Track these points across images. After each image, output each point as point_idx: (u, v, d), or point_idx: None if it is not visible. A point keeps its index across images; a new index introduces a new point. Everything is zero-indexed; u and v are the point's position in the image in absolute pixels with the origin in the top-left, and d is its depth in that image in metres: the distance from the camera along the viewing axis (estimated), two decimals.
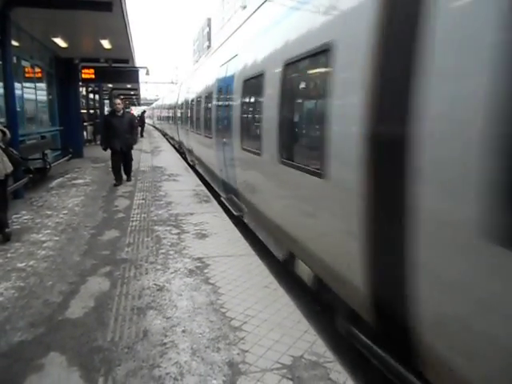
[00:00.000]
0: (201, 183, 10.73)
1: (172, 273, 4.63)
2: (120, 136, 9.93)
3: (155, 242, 5.72)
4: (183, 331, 3.38)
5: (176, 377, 2.81)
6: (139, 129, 32.62)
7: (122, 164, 10.48)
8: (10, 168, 5.66)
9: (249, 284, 4.33)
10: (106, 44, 12.55)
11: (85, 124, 20.37)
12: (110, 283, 4.36)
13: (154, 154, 18.37)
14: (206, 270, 4.70)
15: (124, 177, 10.67)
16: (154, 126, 51.69)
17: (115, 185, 10.09)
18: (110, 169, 10.67)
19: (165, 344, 3.20)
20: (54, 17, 9.69)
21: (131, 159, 10.91)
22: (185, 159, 16.42)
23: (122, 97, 31.20)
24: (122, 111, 10.13)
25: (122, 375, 2.83)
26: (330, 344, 3.41)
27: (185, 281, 4.41)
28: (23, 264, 4.92)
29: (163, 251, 5.33)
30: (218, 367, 2.92)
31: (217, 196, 9.26)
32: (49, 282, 4.43)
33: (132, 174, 11.11)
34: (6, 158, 5.59)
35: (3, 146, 5.70)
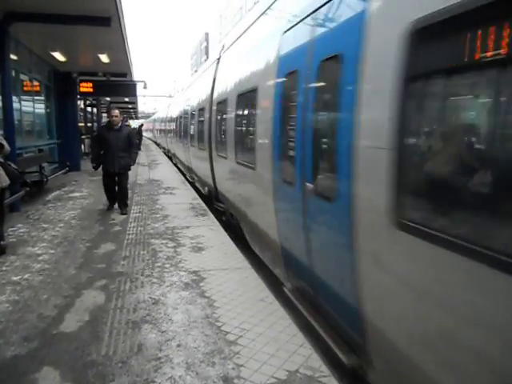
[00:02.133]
0: (197, 196, 10.74)
1: (168, 286, 4.62)
2: (115, 154, 8.26)
3: (151, 255, 5.71)
4: (178, 345, 3.37)
5: None
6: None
7: (117, 187, 8.71)
8: (6, 182, 5.65)
9: (245, 297, 4.32)
10: (104, 58, 12.65)
11: (82, 137, 20.42)
12: (106, 296, 4.34)
13: (151, 167, 18.41)
14: (201, 284, 4.69)
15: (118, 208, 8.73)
16: (156, 143, 45.18)
17: (108, 209, 8.75)
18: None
19: (159, 358, 3.19)
20: (53, 31, 9.79)
21: (127, 183, 8.83)
22: (182, 173, 16.45)
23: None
24: (119, 124, 8.52)
25: None
26: (325, 358, 3.40)
27: (180, 294, 4.40)
28: (18, 277, 4.89)
29: (159, 264, 5.32)
30: (213, 382, 2.90)
31: (213, 209, 9.26)
32: (44, 295, 4.40)
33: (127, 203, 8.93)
34: (2, 172, 5.59)
35: (1, 160, 5.71)
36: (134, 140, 8.87)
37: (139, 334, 3.54)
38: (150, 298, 4.30)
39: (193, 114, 12.64)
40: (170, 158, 23.77)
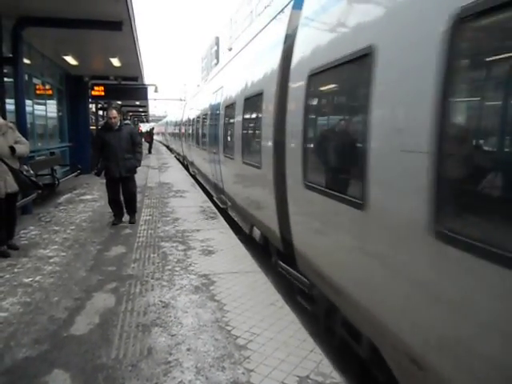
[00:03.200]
0: (207, 199, 10.75)
1: (178, 289, 4.61)
2: (117, 157, 7.48)
3: (161, 258, 5.72)
4: (188, 349, 3.35)
5: None
6: (147, 144, 32.61)
7: (123, 196, 7.90)
8: (12, 187, 5.61)
9: (254, 301, 4.30)
10: (115, 62, 12.75)
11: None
12: (116, 299, 4.35)
13: (161, 170, 18.48)
14: (211, 287, 4.67)
15: (126, 217, 8.01)
16: (168, 148, 41.01)
17: (113, 223, 7.72)
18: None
19: (169, 362, 3.17)
20: (65, 36, 9.89)
21: (135, 188, 8.13)
22: (192, 176, 16.48)
23: (118, 106, 24.81)
24: (118, 124, 7.63)
25: None
26: (336, 364, 3.36)
27: (190, 298, 4.39)
28: (29, 279, 4.92)
29: (169, 267, 5.32)
30: None
31: (223, 212, 9.26)
32: (55, 297, 4.42)
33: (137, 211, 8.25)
34: (10, 177, 5.58)
35: (12, 166, 5.66)
36: (137, 139, 7.98)
37: (149, 338, 3.53)
38: (160, 301, 4.30)
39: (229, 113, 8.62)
40: (186, 167, 20.06)
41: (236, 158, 7.40)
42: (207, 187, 12.73)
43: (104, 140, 7.54)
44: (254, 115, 6.60)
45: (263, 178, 5.59)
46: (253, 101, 6.40)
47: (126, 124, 9.07)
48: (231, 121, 8.15)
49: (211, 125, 11.20)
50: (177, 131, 28.47)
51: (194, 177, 16.40)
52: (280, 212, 5.00)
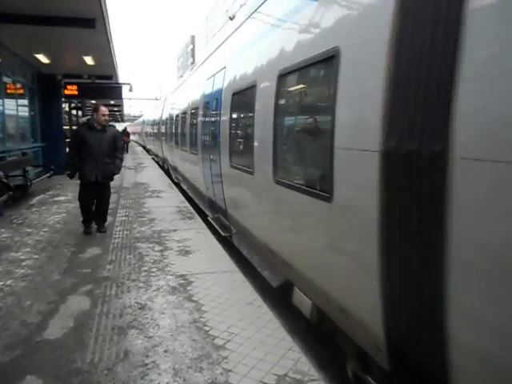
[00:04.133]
0: (184, 199, 10.67)
1: (154, 290, 4.56)
2: (97, 160, 6.79)
3: (138, 259, 5.64)
4: (165, 351, 3.31)
5: None
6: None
7: (96, 202, 7.16)
8: None
9: (232, 301, 4.28)
10: (89, 60, 12.53)
11: (67, 140, 20.17)
12: (91, 302, 4.27)
13: (137, 170, 18.27)
14: (189, 288, 4.64)
15: (94, 226, 7.23)
16: (145, 149, 37.89)
17: (86, 233, 7.02)
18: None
19: (146, 365, 3.13)
20: (37, 33, 9.66)
21: (109, 197, 7.44)
22: (168, 175, 16.31)
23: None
24: (103, 125, 6.98)
25: None
26: (314, 361, 3.38)
27: (167, 298, 4.34)
28: (0, 283, 4.78)
29: (146, 268, 5.25)
30: None
31: (201, 213, 9.20)
32: (27, 301, 4.31)
33: (106, 222, 7.45)
34: None
35: None
36: (119, 143, 7.30)
37: (125, 340, 3.48)
38: (137, 302, 4.24)
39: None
40: (167, 172, 17.49)
41: (259, 172, 4.93)
42: (196, 201, 10.34)
43: (83, 139, 6.79)
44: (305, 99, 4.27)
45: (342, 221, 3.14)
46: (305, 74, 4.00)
47: (111, 125, 8.05)
48: (246, 114, 5.81)
49: (205, 121, 8.45)
50: (155, 131, 25.03)
51: (171, 177, 15.72)
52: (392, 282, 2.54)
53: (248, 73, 5.58)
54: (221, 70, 7.25)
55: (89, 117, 7.67)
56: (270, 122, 4.45)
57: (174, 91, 17.77)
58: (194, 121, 10.02)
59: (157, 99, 51.07)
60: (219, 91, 7.10)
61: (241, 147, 6.15)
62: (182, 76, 21.33)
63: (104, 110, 7.02)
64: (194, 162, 9.74)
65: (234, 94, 6.13)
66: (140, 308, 4.11)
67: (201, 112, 9.07)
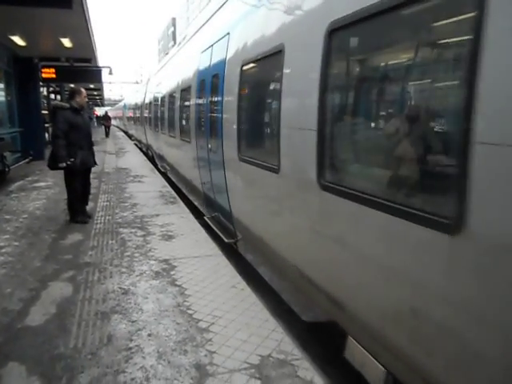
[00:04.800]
0: (167, 184, 10.59)
1: (137, 275, 4.54)
2: (90, 144, 6.84)
3: (120, 244, 5.60)
4: (149, 335, 3.32)
5: (142, 382, 2.75)
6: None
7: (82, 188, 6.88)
8: None
9: (216, 284, 4.30)
10: (66, 42, 12.20)
11: (46, 125, 19.75)
12: (73, 288, 4.23)
13: (118, 155, 18.03)
14: (172, 272, 4.63)
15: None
16: (128, 134, 36.09)
17: (85, 222, 6.70)
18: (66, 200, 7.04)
19: (130, 349, 3.13)
20: (12, 14, 9.33)
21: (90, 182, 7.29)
22: (153, 162, 16.14)
23: None
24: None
25: (85, 383, 2.75)
26: (297, 341, 3.43)
27: (151, 283, 4.33)
28: None
29: (128, 254, 5.22)
30: (185, 370, 2.88)
31: (183, 197, 9.15)
32: (7, 289, 4.25)
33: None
34: None
35: None
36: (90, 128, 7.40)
37: (109, 325, 3.47)
38: (120, 288, 4.22)
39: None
40: (152, 159, 16.57)
41: (291, 172, 3.73)
42: (191, 198, 8.87)
43: (73, 124, 6.47)
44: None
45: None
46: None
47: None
48: (267, 90, 4.51)
49: (201, 103, 7.11)
50: (138, 115, 23.42)
51: (155, 164, 15.24)
52: None
53: (268, 35, 4.15)
54: (222, 38, 5.80)
55: (59, 101, 7.32)
56: (313, 102, 3.11)
57: (158, 71, 16.17)
58: (186, 102, 8.61)
59: (137, 83, 50.24)
60: (220, 64, 5.70)
61: (256, 135, 4.88)
62: (167, 53, 18.73)
63: (83, 92, 6.84)
64: (186, 151, 8.39)
65: (244, 66, 4.73)
66: (123, 293, 4.10)
67: (194, 92, 7.59)
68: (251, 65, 4.67)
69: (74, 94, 6.74)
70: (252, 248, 5.12)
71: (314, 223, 3.39)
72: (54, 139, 6.52)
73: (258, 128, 4.81)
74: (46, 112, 20.25)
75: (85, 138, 6.73)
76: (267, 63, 4.24)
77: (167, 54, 18.60)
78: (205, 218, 6.93)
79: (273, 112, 4.16)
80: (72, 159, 6.45)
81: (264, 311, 3.76)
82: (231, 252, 5.68)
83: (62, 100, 23.90)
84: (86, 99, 6.97)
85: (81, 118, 6.71)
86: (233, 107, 5.03)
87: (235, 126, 4.97)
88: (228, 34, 5.56)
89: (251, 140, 4.97)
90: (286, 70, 3.65)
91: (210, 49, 6.48)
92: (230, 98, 5.30)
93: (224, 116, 5.55)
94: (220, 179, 5.77)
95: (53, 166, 6.61)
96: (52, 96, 24.81)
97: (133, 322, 3.52)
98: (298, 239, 3.72)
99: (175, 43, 14.52)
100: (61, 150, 6.39)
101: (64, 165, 6.42)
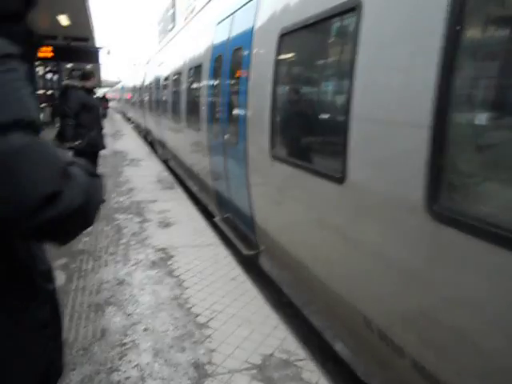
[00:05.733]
0: (164, 169, 10.38)
1: (133, 265, 4.36)
2: (98, 126, 6.64)
3: (115, 231, 5.42)
4: (145, 329, 3.15)
5: (137, 381, 2.59)
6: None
7: None
8: None
9: (215, 276, 4.13)
10: (63, 20, 11.91)
11: (41, 106, 19.41)
12: (66, 277, 4.05)
13: (115, 137, 17.73)
14: (169, 262, 4.45)
15: None
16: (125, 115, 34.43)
17: None
18: None
19: (125, 344, 2.96)
20: None
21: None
22: (150, 145, 15.87)
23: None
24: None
25: (76, 381, 2.58)
26: (301, 340, 3.27)
27: (147, 274, 4.15)
28: None
29: (124, 241, 5.04)
30: (183, 369, 2.71)
31: (182, 183, 8.94)
32: None
33: None
34: None
35: None
36: None
37: (102, 318, 3.30)
38: (115, 278, 4.04)
39: None
40: (151, 145, 15.58)
41: (371, 183, 2.45)
42: (195, 191, 7.90)
43: (85, 103, 6.21)
44: None
45: None
46: None
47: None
48: (330, 64, 3.29)
49: (215, 84, 5.90)
50: (137, 97, 21.95)
51: (152, 145, 14.96)
52: None
53: None
54: (248, 1, 4.62)
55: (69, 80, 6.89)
56: (428, 83, 1.91)
57: (160, 50, 14.79)
58: (195, 84, 7.43)
59: (134, 65, 49.53)
60: (245, 36, 4.58)
61: (303, 128, 3.58)
62: (170, 30, 17.43)
63: (92, 73, 6.75)
64: (193, 140, 7.35)
65: (284, 35, 3.53)
66: (118, 284, 3.92)
67: (206, 71, 6.34)
68: (297, 32, 3.38)
69: (86, 75, 6.54)
70: (282, 267, 4.03)
71: (416, 266, 2.09)
72: (64, 118, 6.19)
73: (307, 118, 3.52)
74: (40, 92, 19.87)
75: (96, 119, 6.55)
76: (327, 27, 3.10)
77: (170, 31, 17.18)
78: (215, 220, 5.91)
79: (336, 97, 3.05)
80: (78, 142, 6.11)
81: (266, 306, 3.59)
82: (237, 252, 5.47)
83: (59, 80, 23.50)
84: (94, 81, 6.72)
85: (94, 99, 6.78)
86: (264, 89, 3.82)
87: (267, 114, 3.74)
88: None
89: (293, 133, 3.74)
90: (367, 35, 2.39)
91: (230, 18, 5.33)
92: (259, 77, 4.12)
93: (250, 100, 4.31)
94: (239, 177, 4.74)
95: (59, 144, 6.12)
96: (49, 76, 24.37)
97: (128, 315, 3.35)
98: (382, 287, 2.37)
99: (175, 25, 13.52)
100: (68, 130, 6.08)
101: (68, 145, 6.00)
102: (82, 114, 6.17)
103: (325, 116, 3.41)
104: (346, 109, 2.53)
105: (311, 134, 3.49)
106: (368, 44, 2.39)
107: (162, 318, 3.30)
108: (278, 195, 3.85)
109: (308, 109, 3.54)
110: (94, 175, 1.08)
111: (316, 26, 3.05)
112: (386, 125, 2.25)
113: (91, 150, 6.37)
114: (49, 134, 13.87)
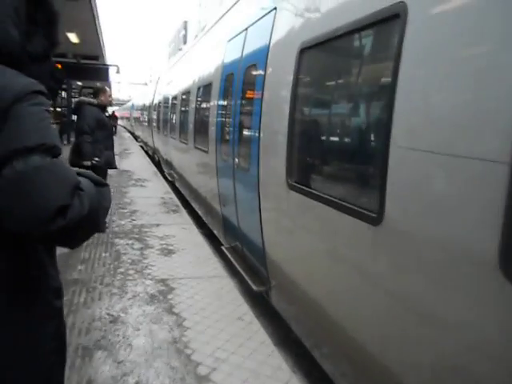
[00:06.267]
0: (170, 190, 10.05)
1: (130, 298, 3.97)
2: (111, 145, 6.43)
3: (114, 258, 5.04)
4: (137, 383, 2.73)
5: None
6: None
7: None
8: None
9: (219, 315, 3.71)
10: (73, 38, 11.79)
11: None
12: None
13: (122, 156, 17.51)
14: (169, 296, 4.05)
15: None
16: (133, 134, 34.84)
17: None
18: None
19: None
20: None
21: None
22: (158, 168, 15.59)
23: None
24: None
25: None
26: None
27: (144, 309, 3.75)
28: None
29: (122, 270, 4.66)
30: None
31: (187, 205, 8.58)
32: None
33: None
34: None
35: None
36: None
37: (89, 366, 2.88)
38: (108, 314, 3.64)
39: None
40: (158, 164, 15.08)
41: (402, 225, 2.03)
42: (202, 215, 7.43)
43: (99, 120, 6.03)
44: None
45: None
46: None
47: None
48: (367, 82, 2.68)
49: (226, 104, 5.57)
50: (145, 116, 21.57)
51: (156, 165, 14.82)
52: None
53: None
54: (264, 16, 4.26)
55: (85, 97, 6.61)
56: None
57: (171, 67, 14.32)
58: (203, 103, 7.27)
59: (146, 84, 50.01)
60: (260, 52, 4.20)
61: (329, 155, 3.11)
62: (180, 49, 17.04)
63: (109, 91, 6.71)
64: (201, 162, 6.92)
65: (305, 49, 3.12)
66: (111, 321, 3.51)
67: (216, 90, 6.04)
68: (321, 46, 2.95)
69: (99, 92, 6.35)
70: (296, 306, 3.54)
71: (489, 336, 1.60)
72: (81, 135, 5.86)
73: (330, 145, 3.08)
74: (50, 109, 19.80)
75: (109, 137, 6.35)
76: (358, 39, 2.66)
77: (180, 49, 16.68)
78: (223, 248, 5.41)
79: (372, 119, 2.58)
80: (97, 158, 5.84)
81: (275, 354, 3.16)
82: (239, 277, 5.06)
83: (68, 97, 23.50)
84: (111, 98, 6.61)
85: (105, 116, 6.56)
86: (280, 110, 3.45)
87: (284, 138, 3.32)
88: (275, 8, 3.95)
89: (315, 161, 3.33)
90: (416, 45, 1.95)
91: (244, 34, 4.97)
92: (274, 97, 3.75)
93: (264, 121, 3.89)
94: (249, 204, 4.30)
95: (76, 162, 5.76)
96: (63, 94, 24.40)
97: (119, 362, 2.93)
98: (429, 356, 1.88)
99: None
100: (87, 147, 5.78)
101: (89, 163, 5.69)
102: (97, 131, 5.94)
103: (348, 136, 2.93)
104: (384, 132, 2.06)
105: (335, 162, 3.04)
106: (415, 57, 1.96)
107: (157, 368, 2.88)
108: (295, 228, 3.36)
109: (331, 134, 3.12)
110: (101, 184, 1.27)
111: (341, 38, 2.63)
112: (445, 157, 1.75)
113: (106, 167, 6.19)
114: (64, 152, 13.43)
